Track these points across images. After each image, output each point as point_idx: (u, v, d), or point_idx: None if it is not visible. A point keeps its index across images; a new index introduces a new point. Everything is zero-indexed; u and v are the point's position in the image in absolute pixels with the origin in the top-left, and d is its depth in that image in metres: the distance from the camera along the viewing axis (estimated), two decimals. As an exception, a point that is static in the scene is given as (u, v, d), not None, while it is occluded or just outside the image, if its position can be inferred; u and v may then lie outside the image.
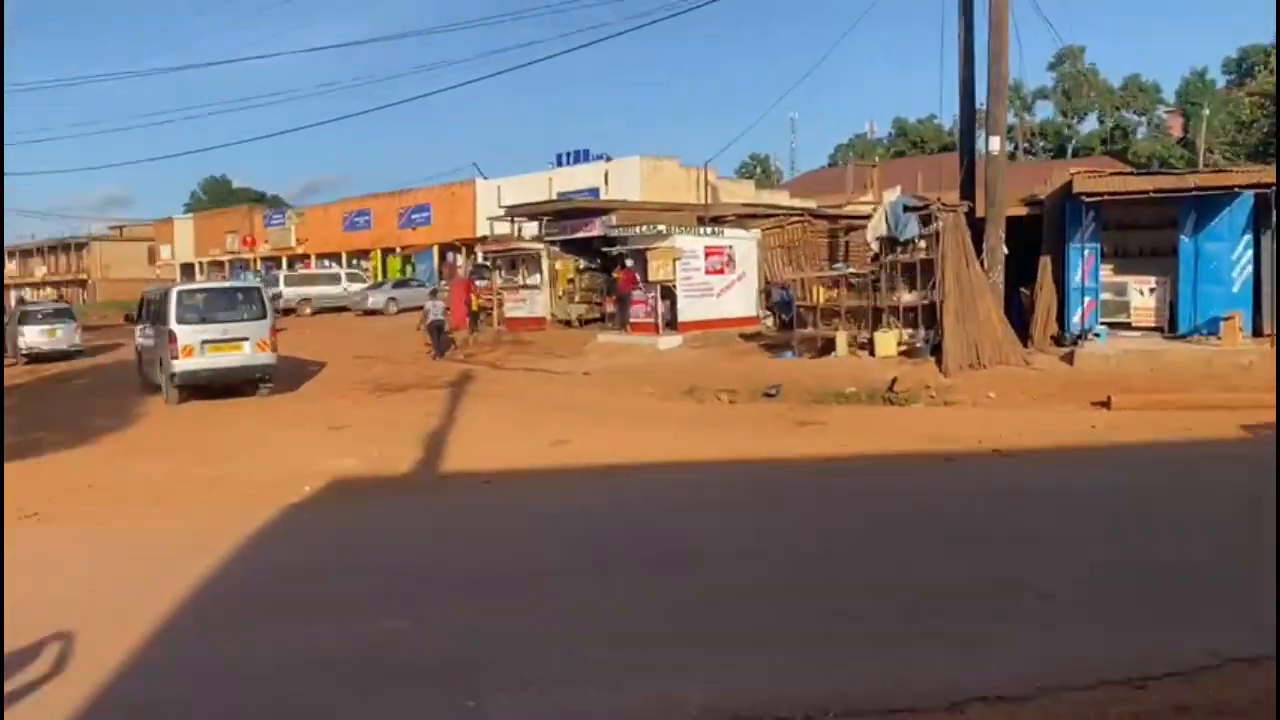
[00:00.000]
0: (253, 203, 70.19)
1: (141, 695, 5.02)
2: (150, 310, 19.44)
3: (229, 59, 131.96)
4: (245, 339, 17.85)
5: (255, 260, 59.15)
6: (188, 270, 63.40)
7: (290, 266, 53.62)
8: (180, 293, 18.29)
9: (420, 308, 27.23)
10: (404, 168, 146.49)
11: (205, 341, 17.50)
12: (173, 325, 17.32)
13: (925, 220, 17.65)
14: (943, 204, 17.83)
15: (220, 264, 62.30)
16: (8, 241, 74.95)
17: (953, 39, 19.67)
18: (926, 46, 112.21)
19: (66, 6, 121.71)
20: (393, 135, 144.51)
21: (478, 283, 29.68)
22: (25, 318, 29.44)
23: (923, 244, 17.72)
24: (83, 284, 72.90)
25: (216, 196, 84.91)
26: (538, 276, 27.38)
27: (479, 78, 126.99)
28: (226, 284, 25.27)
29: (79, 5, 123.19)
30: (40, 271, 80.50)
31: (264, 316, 18.37)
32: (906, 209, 18.06)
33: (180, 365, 17.36)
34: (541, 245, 27.70)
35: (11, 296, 65.87)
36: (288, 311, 38.77)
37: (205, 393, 17.75)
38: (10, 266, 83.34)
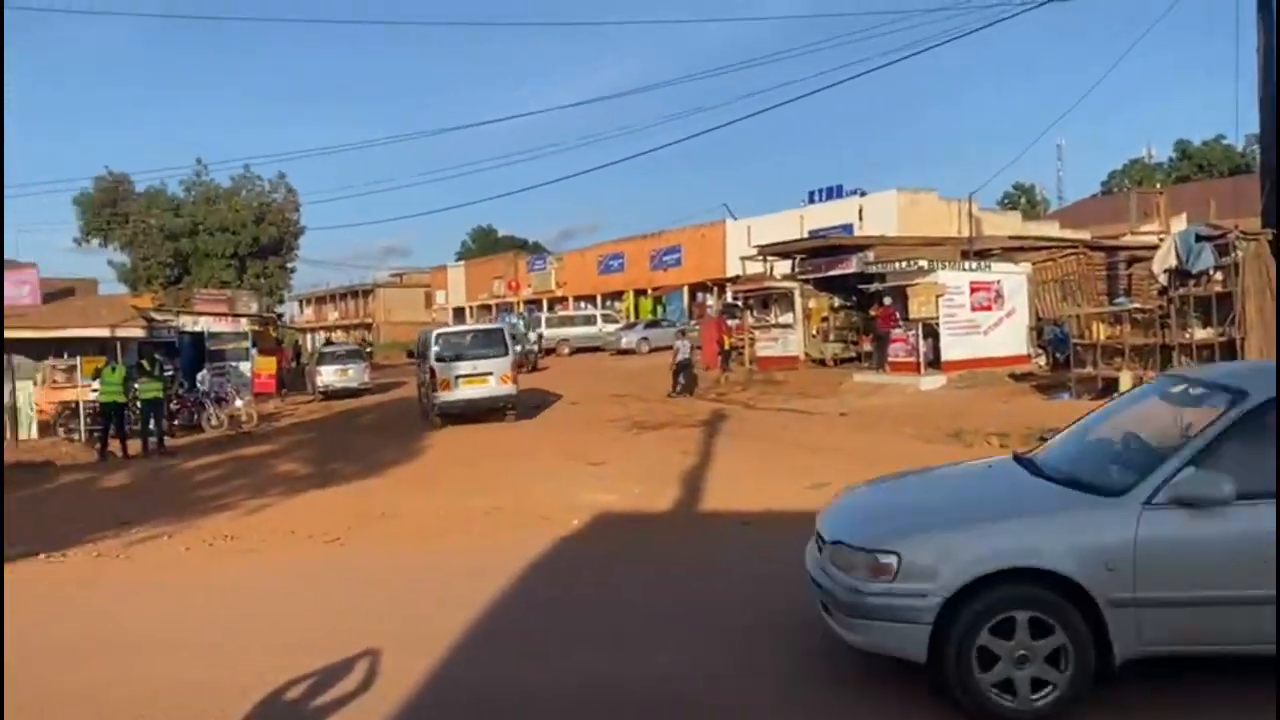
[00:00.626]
0: (516, 250, 74.43)
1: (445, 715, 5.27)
2: (419, 350, 22.39)
3: (496, 118, 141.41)
4: (490, 374, 20.32)
5: (519, 303, 62.55)
6: (459, 314, 67.95)
7: (550, 309, 56.27)
8: (438, 335, 21.28)
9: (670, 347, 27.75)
10: (654, 211, 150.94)
11: (459, 376, 20.14)
12: (433, 363, 20.15)
13: (1222, 250, 16.12)
14: (1243, 232, 16.22)
15: (488, 308, 66.33)
16: (307, 289, 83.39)
17: (1249, 49, 17.92)
18: (1209, 61, 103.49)
19: (361, 79, 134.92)
20: (643, 180, 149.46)
21: (729, 321, 29.86)
22: (323, 358, 32.52)
23: (1219, 275, 16.17)
24: (368, 326, 79.73)
25: (484, 245, 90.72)
26: (791, 315, 27.21)
27: (731, 121, 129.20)
28: (475, 326, 28.69)
29: (369, 77, 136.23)
30: (333, 315, 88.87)
31: (506, 354, 20.71)
32: (1199, 238, 16.56)
33: (441, 397, 20.15)
34: (795, 283, 27.53)
35: (309, 339, 73.04)
36: (548, 351, 40.66)
37: (460, 419, 20.15)
38: (308, 312, 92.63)
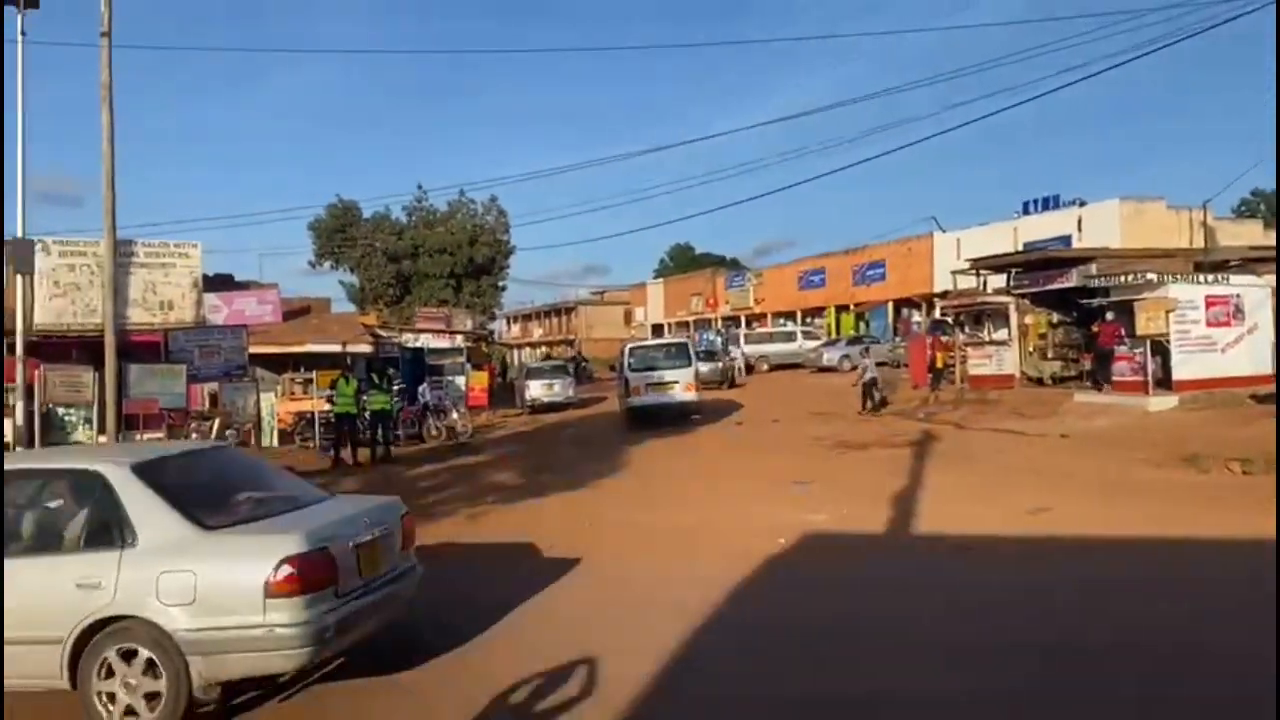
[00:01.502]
0: (714, 267, 74.84)
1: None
2: (619, 363, 25.76)
3: (696, 138, 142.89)
4: (676, 382, 23.57)
5: (717, 320, 62.82)
6: (657, 330, 68.96)
7: (749, 325, 56.19)
8: (631, 349, 25.29)
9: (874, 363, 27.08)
10: (854, 225, 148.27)
11: (648, 384, 23.48)
12: (626, 373, 23.73)
13: None
14: None
15: (685, 324, 67.00)
16: (513, 307, 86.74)
17: None
18: None
19: (569, 103, 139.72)
20: (843, 195, 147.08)
21: (943, 338, 28.88)
22: (530, 374, 33.77)
23: None
24: (570, 343, 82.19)
25: (682, 262, 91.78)
26: (1005, 331, 26.03)
27: (936, 133, 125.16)
28: (664, 341, 32.69)
29: (578, 101, 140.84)
30: (537, 332, 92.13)
31: (689, 365, 24.08)
32: None
33: (632, 400, 23.71)
34: (1010, 298, 26.34)
35: (515, 355, 75.91)
36: (748, 369, 40.58)
37: (648, 422, 23.05)
38: (514, 329, 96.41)
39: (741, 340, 44.77)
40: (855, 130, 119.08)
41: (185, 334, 23.88)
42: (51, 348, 23.26)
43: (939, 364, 27.29)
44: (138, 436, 21.01)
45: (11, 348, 20.12)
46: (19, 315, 19.89)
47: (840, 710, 5.43)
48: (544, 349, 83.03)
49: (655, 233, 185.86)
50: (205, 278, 29.26)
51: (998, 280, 29.20)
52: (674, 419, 23.24)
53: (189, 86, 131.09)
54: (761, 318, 58.36)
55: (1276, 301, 20.93)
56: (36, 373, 19.32)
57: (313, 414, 23.52)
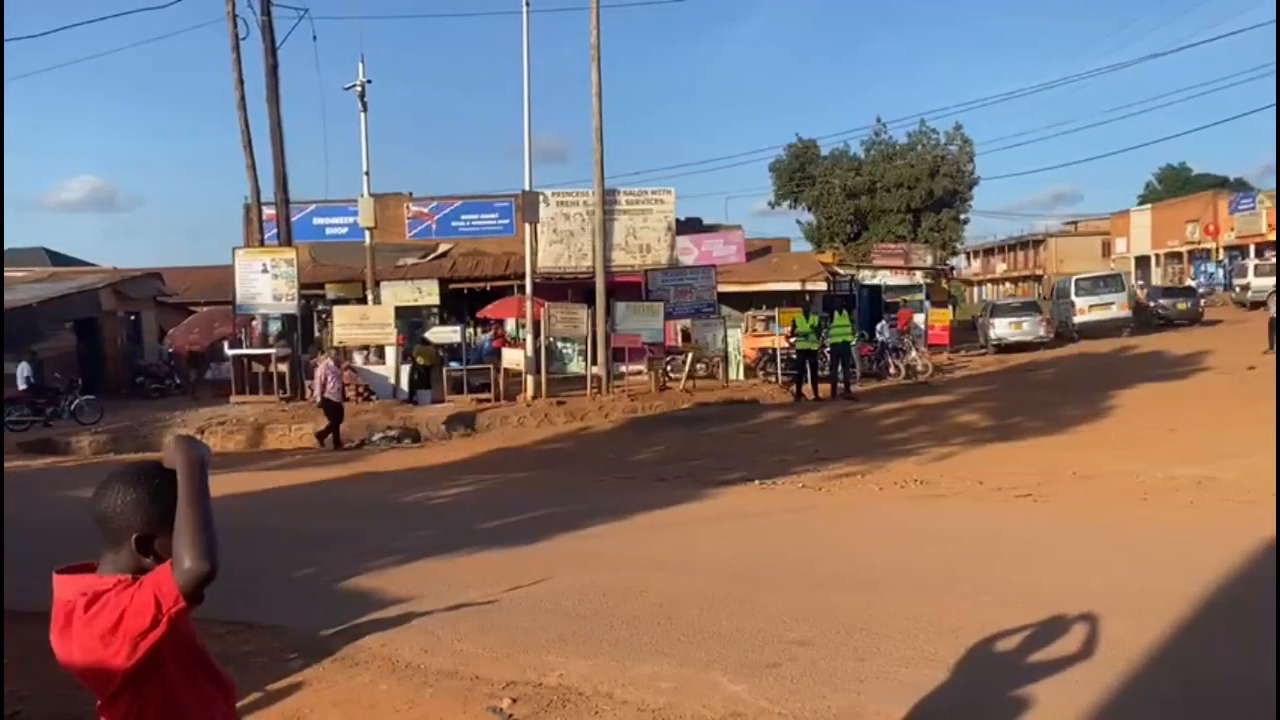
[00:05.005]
0: (1214, 189, 65.45)
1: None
2: (1055, 294, 34.30)
3: (1193, 42, 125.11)
4: (1111, 303, 30.68)
5: (1217, 249, 55.13)
6: (1142, 262, 62.13)
7: (1259, 255, 48.58)
8: (1077, 281, 32.23)
9: None
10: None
11: (1090, 305, 30.79)
12: (1073, 297, 31.07)
13: None
14: None
15: (1177, 255, 59.62)
16: (974, 241, 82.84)
17: None
18: None
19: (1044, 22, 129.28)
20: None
21: None
22: (995, 311, 32.06)
23: None
24: (1038, 279, 76.76)
25: (1173, 185, 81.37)
26: None
27: None
28: (1100, 273, 36.72)
29: (1053, 20, 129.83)
30: (1000, 267, 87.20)
31: (1122, 290, 31.34)
32: None
33: (1076, 319, 30.75)
34: None
35: (974, 292, 72.46)
36: (1255, 305, 35.17)
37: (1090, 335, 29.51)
38: (975, 264, 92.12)
39: (1251, 272, 38.86)
40: None
41: (662, 274, 25.75)
42: (550, 288, 26.31)
43: None
44: (622, 368, 23.16)
45: (522, 288, 23.02)
46: (527, 259, 22.62)
47: None
48: (1007, 285, 78.43)
49: (1139, 155, 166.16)
50: (677, 221, 31.35)
51: None
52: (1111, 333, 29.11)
53: (661, 37, 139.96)
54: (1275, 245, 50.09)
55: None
56: (541, 310, 21.86)
57: (774, 349, 24.29)
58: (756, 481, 11.70)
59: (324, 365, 17.93)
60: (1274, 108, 51.44)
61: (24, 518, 11.23)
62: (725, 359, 24.24)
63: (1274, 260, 43.14)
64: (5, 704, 4.78)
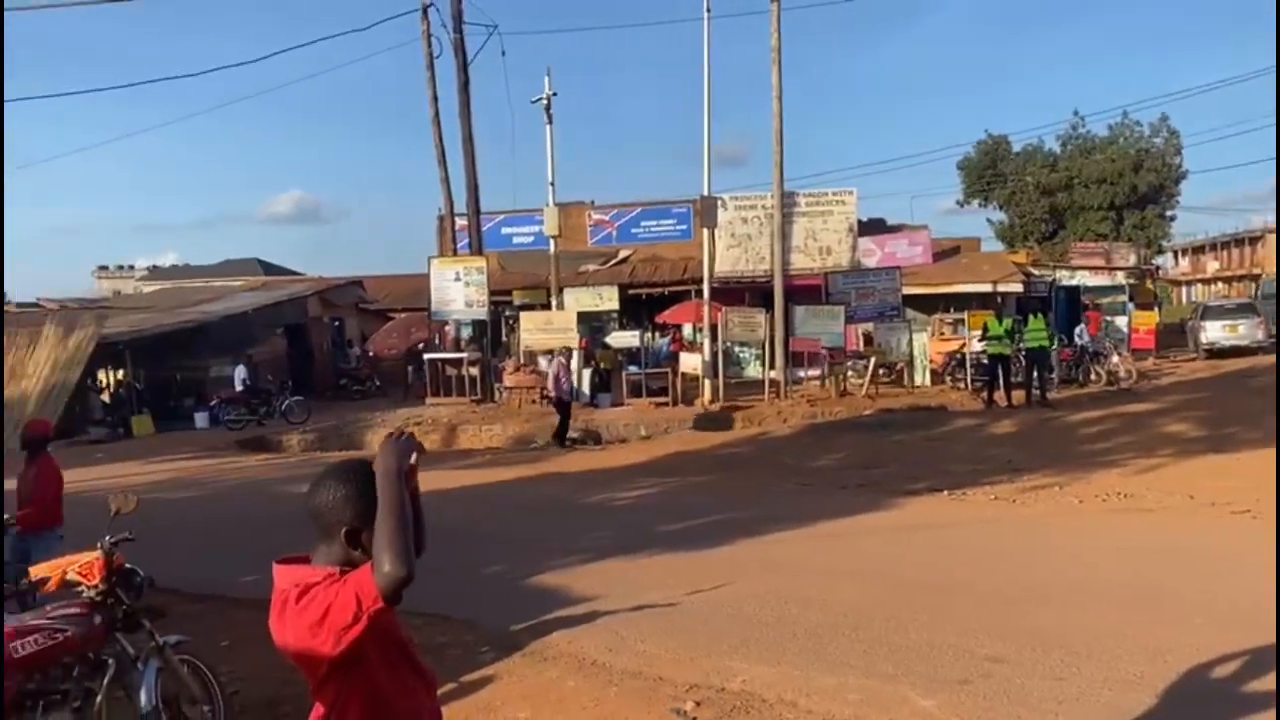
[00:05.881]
0: None
1: None
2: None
3: None
4: None
5: None
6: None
7: None
8: None
9: None
10: None
11: None
12: None
13: None
14: None
15: None
16: (1183, 239, 77.43)
17: None
18: None
19: None
20: None
21: None
22: (1206, 313, 29.84)
23: None
24: (1254, 278, 70.93)
25: None
26: None
27: None
28: None
29: None
30: (1212, 267, 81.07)
31: None
32: None
33: None
34: None
35: (1183, 293, 67.61)
36: None
37: None
38: (1184, 263, 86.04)
39: None
40: None
41: (843, 277, 25.28)
42: (728, 292, 26.29)
43: None
44: (800, 373, 22.88)
45: (700, 293, 23.12)
46: (705, 264, 22.70)
47: None
48: (1219, 285, 72.85)
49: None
50: (859, 222, 30.73)
51: None
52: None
53: (842, 34, 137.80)
54: None
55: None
56: (719, 314, 21.87)
57: (963, 354, 23.41)
58: (945, 492, 11.31)
59: (556, 363, 18.37)
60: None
61: (242, 512, 12.16)
62: (910, 364, 23.54)
63: None
64: (225, 683, 5.14)
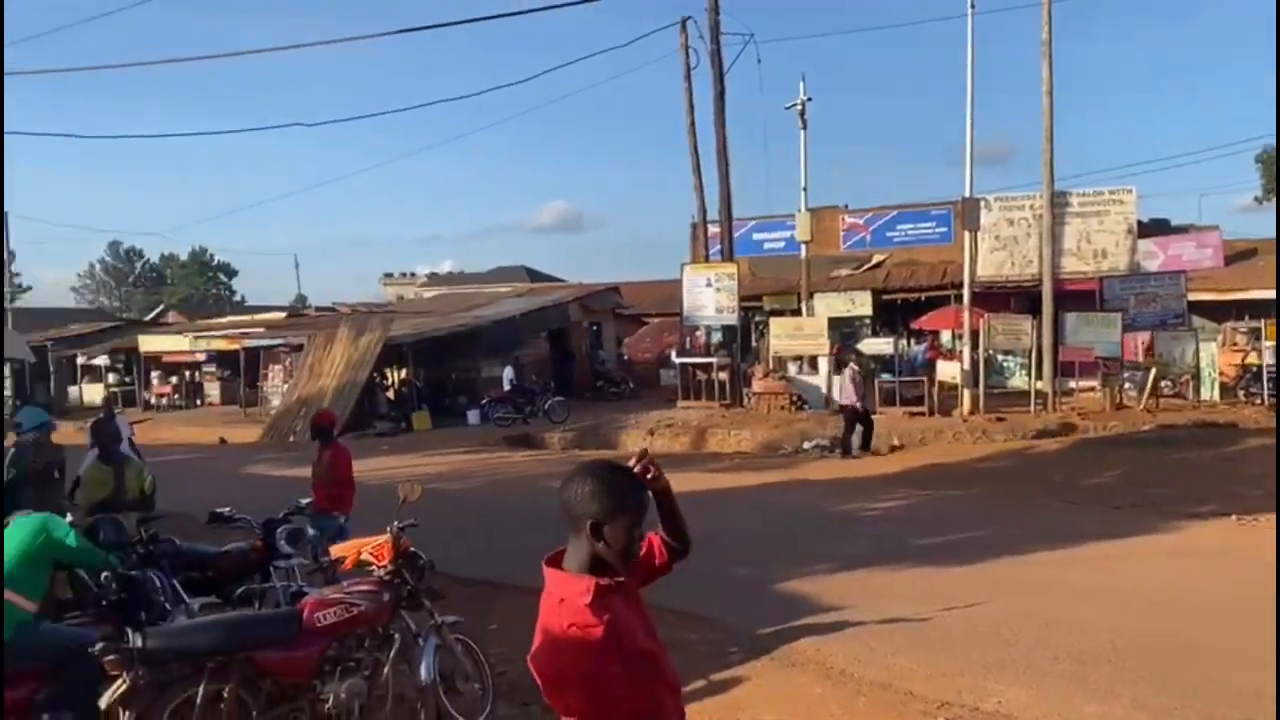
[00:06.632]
0: None
1: None
2: None
3: None
4: None
5: None
6: None
7: None
8: None
9: None
10: None
11: None
12: None
13: None
14: None
15: None
16: None
17: None
18: None
19: None
20: None
21: None
22: None
23: None
24: None
25: None
26: None
27: None
28: None
29: None
30: None
31: None
32: None
33: None
34: None
35: None
36: None
37: None
38: None
39: None
40: None
41: (1120, 281, 23.61)
42: (990, 298, 25.13)
43: None
44: (1071, 384, 21.52)
45: (960, 298, 22.26)
46: (965, 268, 21.84)
47: None
48: None
49: None
50: (1139, 223, 28.50)
51: None
52: None
53: (1116, 20, 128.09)
54: None
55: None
56: (980, 321, 20.97)
57: (1259, 366, 21.21)
58: (1233, 516, 10.33)
59: (849, 370, 17.93)
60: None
61: (510, 504, 12.95)
62: (1196, 376, 21.60)
63: None
64: (494, 664, 5.52)
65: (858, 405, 17.35)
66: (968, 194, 21.54)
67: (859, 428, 17.40)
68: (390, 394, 27.25)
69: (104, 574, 5.16)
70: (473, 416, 25.04)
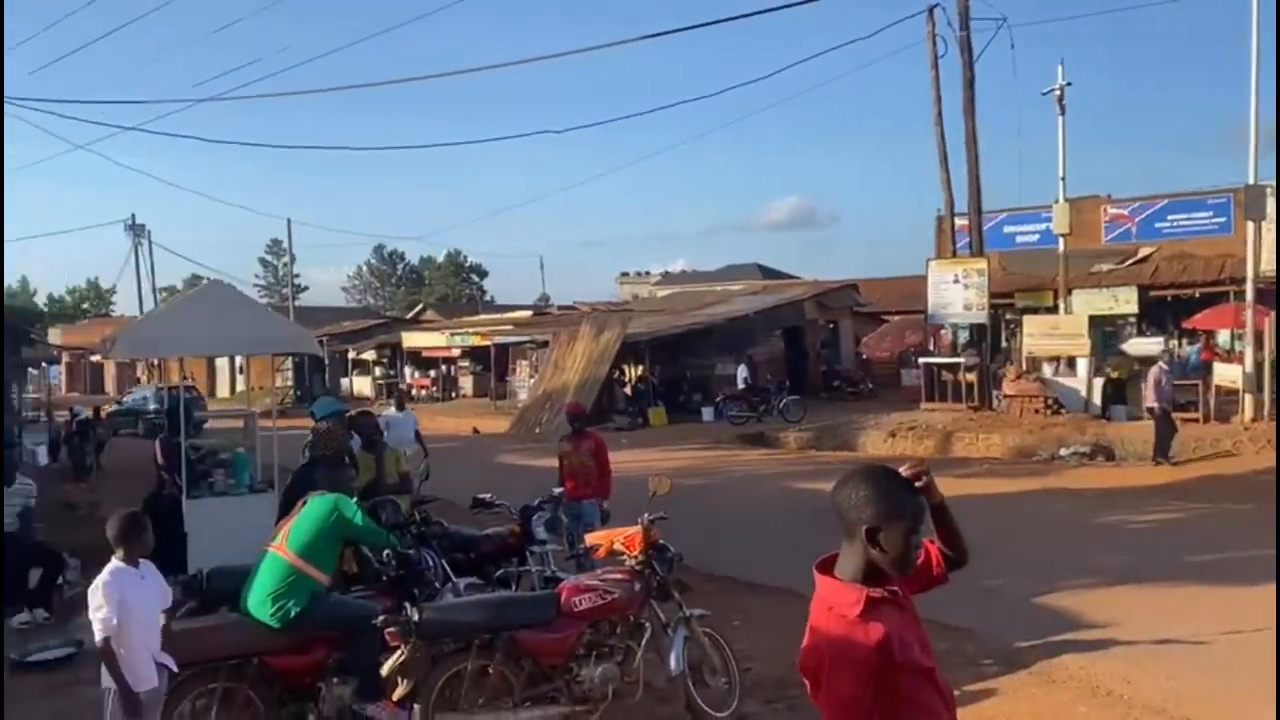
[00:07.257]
0: None
1: None
2: None
3: None
4: None
5: None
6: None
7: None
8: None
9: None
10: None
11: None
12: None
13: None
14: None
15: None
16: None
17: None
18: None
19: None
20: None
21: None
22: None
23: None
24: None
25: None
26: None
27: None
28: None
29: None
30: None
31: None
32: None
33: None
34: None
35: None
36: None
37: None
38: None
39: None
40: None
41: None
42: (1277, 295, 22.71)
43: None
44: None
45: (1241, 295, 20.28)
46: (1248, 262, 19.87)
47: None
48: None
49: None
50: None
51: None
52: None
53: None
54: None
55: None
56: (1265, 320, 19.03)
57: None
58: None
59: (1156, 369, 16.51)
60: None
61: (748, 502, 12.99)
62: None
63: None
64: (738, 662, 5.54)
65: (1157, 407, 15.85)
66: (1252, 181, 19.59)
67: (1173, 430, 16.00)
68: (628, 390, 27.97)
69: (385, 552, 5.58)
70: (707, 413, 25.28)
